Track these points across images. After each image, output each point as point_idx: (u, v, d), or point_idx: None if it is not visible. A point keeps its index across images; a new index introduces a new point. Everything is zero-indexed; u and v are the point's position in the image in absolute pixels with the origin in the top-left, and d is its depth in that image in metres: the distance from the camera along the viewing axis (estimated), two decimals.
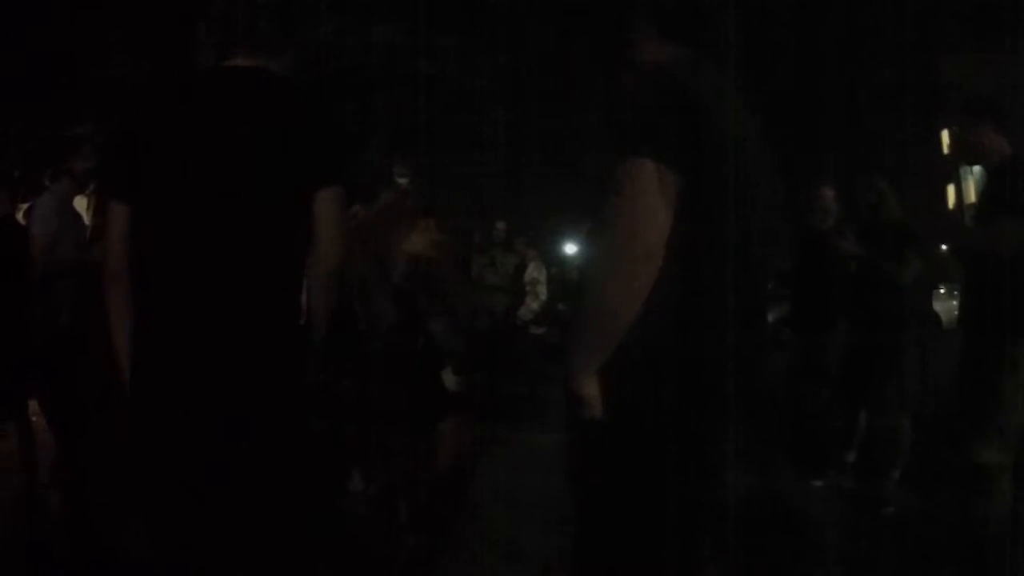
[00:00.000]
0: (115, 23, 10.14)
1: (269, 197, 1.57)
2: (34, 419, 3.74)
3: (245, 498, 1.56)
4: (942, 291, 11.16)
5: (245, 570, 1.58)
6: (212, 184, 1.55)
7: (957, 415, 2.81)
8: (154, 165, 1.57)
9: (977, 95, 3.31)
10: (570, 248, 15.17)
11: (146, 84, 1.72)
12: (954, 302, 12.91)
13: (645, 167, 1.28)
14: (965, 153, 3.06)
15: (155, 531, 1.61)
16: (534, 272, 6.50)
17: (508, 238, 6.36)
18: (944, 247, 3.89)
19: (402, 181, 3.58)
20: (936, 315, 8.79)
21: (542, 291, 6.50)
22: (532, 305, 6.38)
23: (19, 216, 3.70)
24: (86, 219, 3.72)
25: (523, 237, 6.94)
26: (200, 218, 1.55)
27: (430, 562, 3.05)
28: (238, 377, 1.54)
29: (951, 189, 30.12)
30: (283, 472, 1.59)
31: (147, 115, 1.65)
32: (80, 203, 3.72)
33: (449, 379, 3.56)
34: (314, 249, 1.62)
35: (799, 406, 4.19)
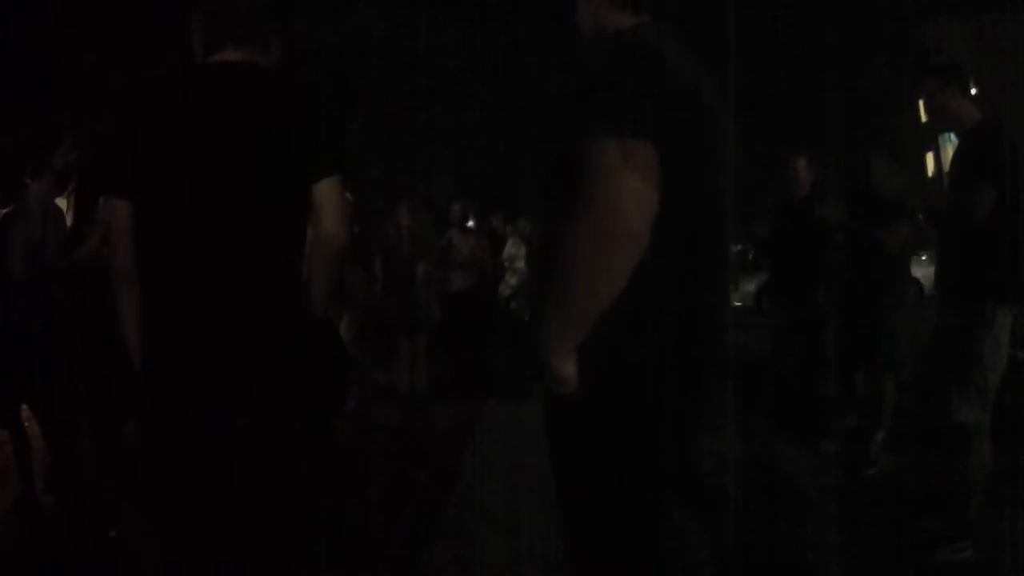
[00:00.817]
0: (95, 20, 10.01)
1: (271, 189, 1.60)
2: (27, 424, 3.74)
3: (255, 492, 1.58)
4: (923, 258, 11.24)
5: (253, 561, 1.61)
6: (213, 178, 1.57)
7: (936, 376, 2.87)
8: (154, 160, 1.58)
9: (942, 61, 3.39)
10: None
11: (141, 79, 1.69)
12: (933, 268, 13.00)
13: (614, 144, 1.24)
14: (935, 120, 3.08)
15: (162, 527, 1.65)
16: (512, 248, 6.57)
17: (482, 215, 6.40)
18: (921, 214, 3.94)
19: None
20: (917, 281, 8.88)
21: (520, 267, 6.54)
22: (511, 281, 6.42)
23: None
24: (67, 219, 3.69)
25: (501, 214, 6.98)
26: (202, 211, 1.57)
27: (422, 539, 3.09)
28: (248, 369, 1.56)
29: (930, 157, 30.31)
30: (296, 463, 1.62)
31: (144, 110, 1.64)
32: (60, 203, 3.67)
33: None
34: (317, 237, 1.66)
35: (781, 373, 4.26)
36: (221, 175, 1.58)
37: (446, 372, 5.86)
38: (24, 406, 3.71)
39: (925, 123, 30.49)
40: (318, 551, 1.77)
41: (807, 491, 3.39)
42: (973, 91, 3.16)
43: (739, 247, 14.78)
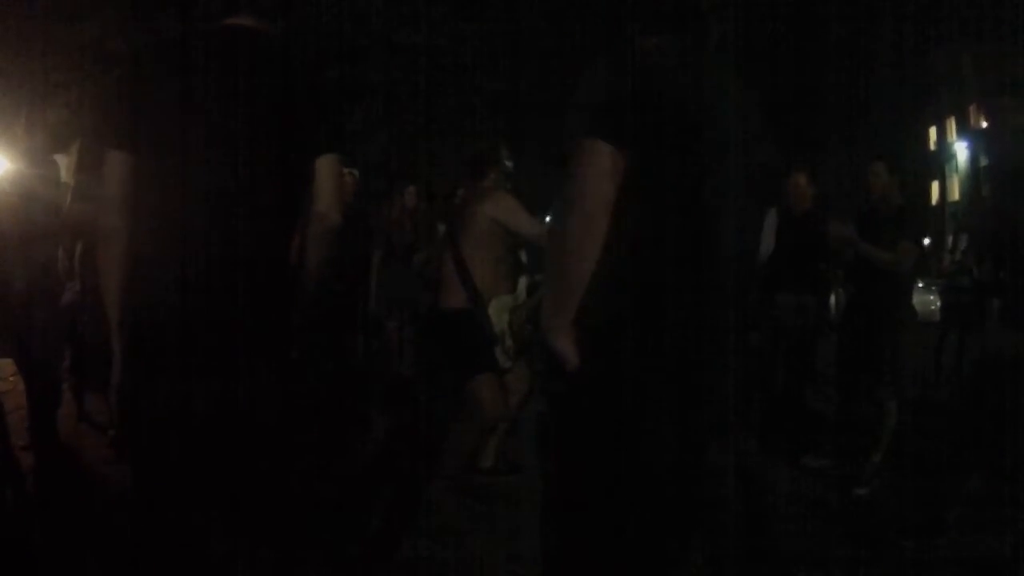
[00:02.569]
0: None
1: (269, 160, 1.58)
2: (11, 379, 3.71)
3: (243, 465, 1.57)
4: (919, 285, 11.32)
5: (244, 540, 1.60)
6: (212, 141, 1.55)
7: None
8: (156, 118, 1.55)
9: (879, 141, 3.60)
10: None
11: (150, 38, 1.69)
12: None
13: (593, 144, 1.43)
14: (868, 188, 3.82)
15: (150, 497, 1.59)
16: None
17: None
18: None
19: (508, 164, 3.58)
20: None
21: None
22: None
23: None
24: (65, 177, 3.65)
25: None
26: (199, 175, 1.55)
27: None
28: (235, 341, 1.54)
29: (935, 184, 30.37)
30: (281, 438, 1.62)
31: (150, 68, 1.61)
32: (60, 161, 3.63)
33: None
34: (312, 213, 1.64)
35: (771, 386, 4.25)
36: (220, 139, 1.55)
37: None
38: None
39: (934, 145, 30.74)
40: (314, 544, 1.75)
41: (788, 505, 3.37)
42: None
43: None
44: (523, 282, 3.60)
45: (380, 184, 6.67)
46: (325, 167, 1.64)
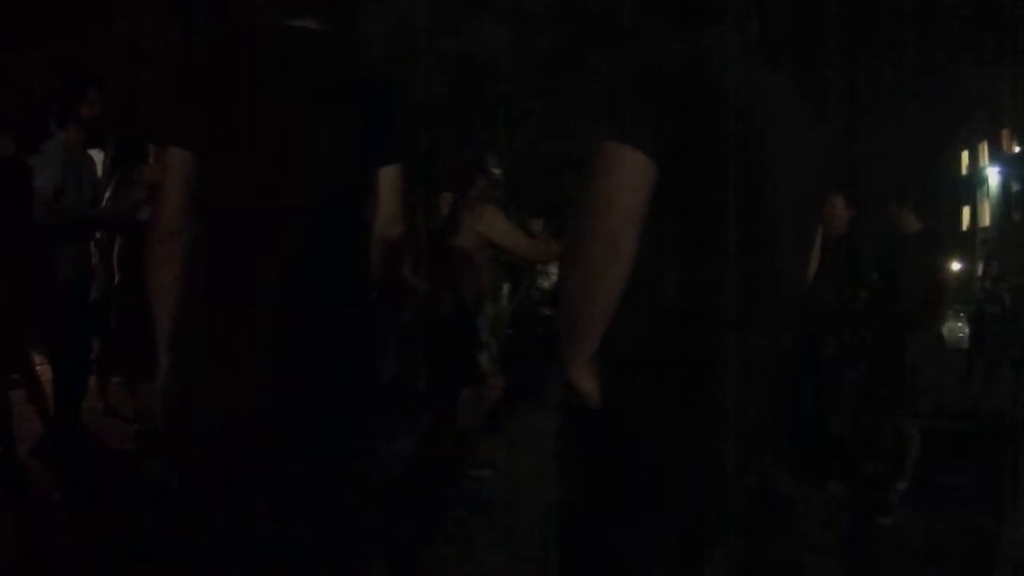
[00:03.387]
0: None
1: (330, 165, 1.54)
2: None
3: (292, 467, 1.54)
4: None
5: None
6: (277, 143, 1.50)
7: None
8: (218, 117, 1.51)
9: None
10: None
11: (211, 35, 1.66)
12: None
13: (611, 149, 1.23)
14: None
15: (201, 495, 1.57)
16: None
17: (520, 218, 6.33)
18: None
19: (495, 171, 3.63)
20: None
21: (553, 272, 6.44)
22: (543, 285, 6.36)
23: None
24: (99, 171, 3.68)
25: (536, 218, 6.89)
26: (258, 176, 1.50)
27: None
28: (299, 348, 1.50)
29: (966, 210, 30.03)
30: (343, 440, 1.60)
31: (213, 65, 1.56)
32: (95, 155, 3.66)
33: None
34: (377, 223, 1.61)
35: (801, 412, 4.18)
36: (286, 141, 1.50)
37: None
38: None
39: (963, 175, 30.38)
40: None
41: (810, 530, 3.31)
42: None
43: None
44: (506, 288, 3.61)
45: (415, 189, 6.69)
46: (389, 177, 1.60)
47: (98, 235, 4.09)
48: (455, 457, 3.57)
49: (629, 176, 1.23)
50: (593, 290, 1.26)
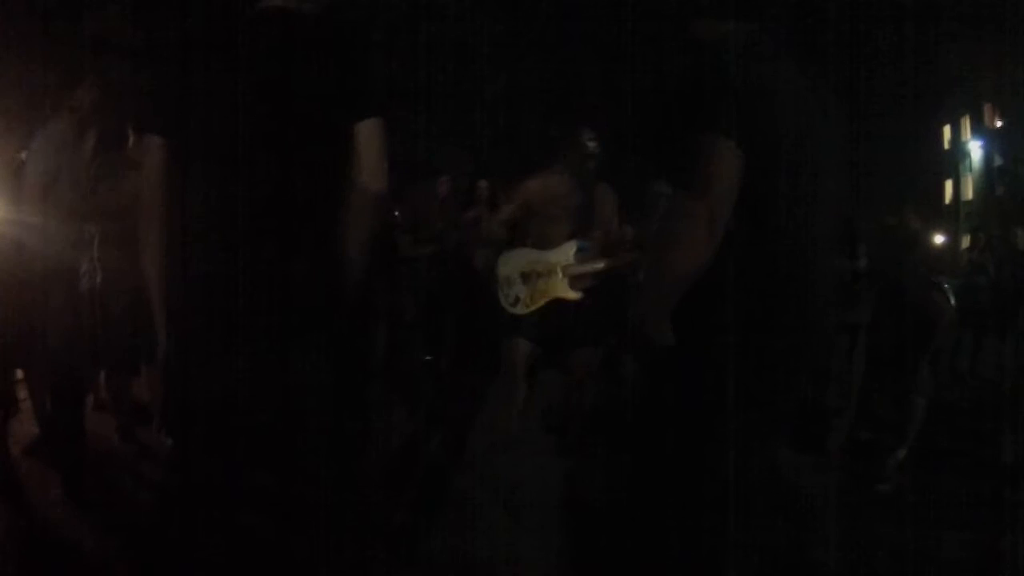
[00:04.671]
0: None
1: (310, 130, 1.54)
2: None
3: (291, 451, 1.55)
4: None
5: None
6: (252, 123, 1.51)
7: None
8: (196, 101, 1.54)
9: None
10: None
11: (189, 20, 1.64)
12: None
13: (718, 141, 1.44)
14: None
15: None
16: None
17: (492, 196, 6.29)
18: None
19: (591, 144, 3.64)
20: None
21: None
22: None
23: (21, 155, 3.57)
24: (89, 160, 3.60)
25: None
26: (241, 140, 1.51)
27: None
28: (282, 322, 1.52)
29: (948, 184, 30.22)
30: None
31: (188, 50, 1.59)
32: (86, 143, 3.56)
33: None
34: (356, 181, 1.58)
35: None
36: (261, 121, 1.52)
37: (461, 348, 5.89)
38: None
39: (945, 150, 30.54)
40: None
41: (811, 498, 3.34)
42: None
43: None
44: (570, 246, 3.63)
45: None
46: (365, 132, 1.57)
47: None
48: None
49: (727, 166, 1.45)
50: (688, 262, 1.49)
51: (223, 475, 1.54)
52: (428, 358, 5.69)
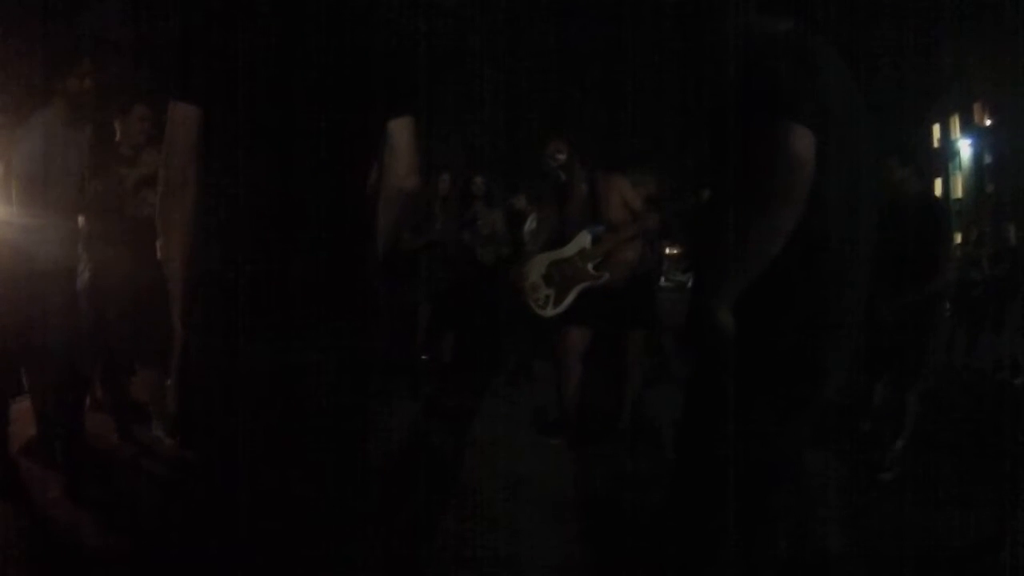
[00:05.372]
0: None
1: (345, 117, 1.48)
2: None
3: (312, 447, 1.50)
4: None
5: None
6: (284, 96, 1.44)
7: None
8: (226, 72, 1.44)
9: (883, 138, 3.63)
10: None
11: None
12: None
13: (796, 129, 1.47)
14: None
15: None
16: (533, 224, 6.47)
17: (488, 192, 6.31)
18: None
19: (560, 157, 3.89)
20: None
21: (541, 243, 6.41)
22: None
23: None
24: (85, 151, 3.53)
25: (523, 193, 6.86)
26: (272, 133, 1.44)
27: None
28: (304, 299, 1.45)
29: (938, 182, 30.37)
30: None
31: (220, 20, 1.48)
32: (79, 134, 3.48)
33: None
34: (390, 176, 1.57)
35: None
36: (293, 94, 1.45)
37: (459, 344, 5.89)
38: None
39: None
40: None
41: (815, 489, 3.35)
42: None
43: None
44: (584, 236, 3.80)
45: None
46: (401, 129, 1.55)
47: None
48: None
49: (805, 149, 1.47)
50: (770, 251, 1.53)
51: (233, 471, 1.47)
52: (424, 357, 5.67)
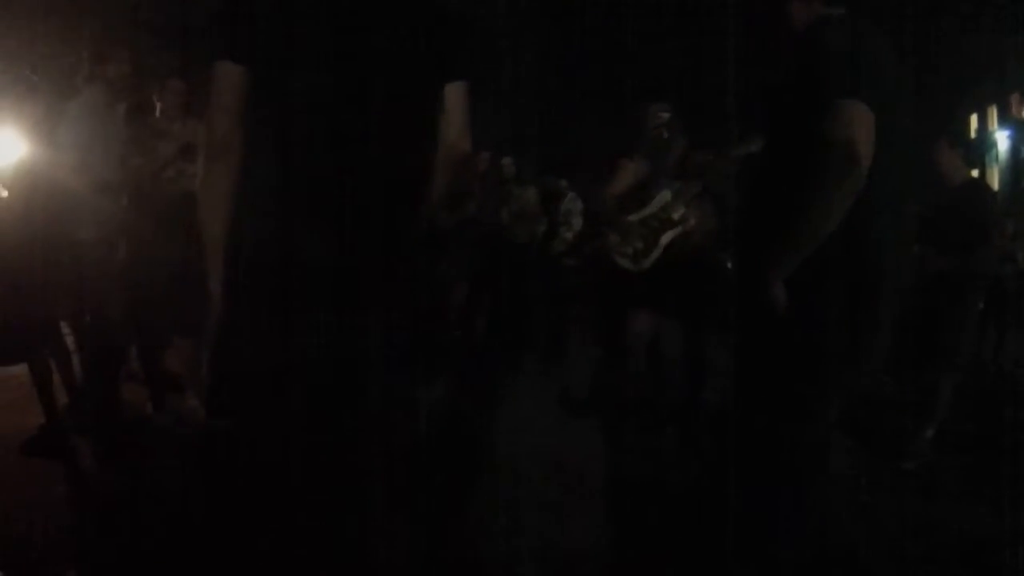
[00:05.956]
0: None
1: (398, 83, 1.45)
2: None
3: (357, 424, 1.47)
4: None
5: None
6: (339, 62, 1.40)
7: None
8: (274, 33, 1.40)
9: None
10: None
11: None
12: None
13: (857, 107, 1.53)
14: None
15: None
16: (569, 204, 6.51)
17: (518, 172, 6.34)
18: None
19: (663, 116, 4.06)
20: None
21: (577, 223, 6.44)
22: (566, 235, 6.35)
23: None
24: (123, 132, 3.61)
25: (555, 175, 6.89)
26: (322, 96, 1.40)
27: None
28: (358, 266, 1.42)
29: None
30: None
31: None
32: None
33: None
34: (443, 141, 1.55)
35: None
36: (345, 56, 1.41)
37: (492, 321, 5.95)
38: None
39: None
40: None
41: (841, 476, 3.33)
42: None
43: None
44: (664, 194, 3.97)
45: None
46: (456, 93, 1.54)
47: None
48: None
49: (867, 128, 1.54)
50: (826, 225, 1.58)
51: (269, 444, 1.44)
52: (457, 334, 5.71)
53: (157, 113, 3.91)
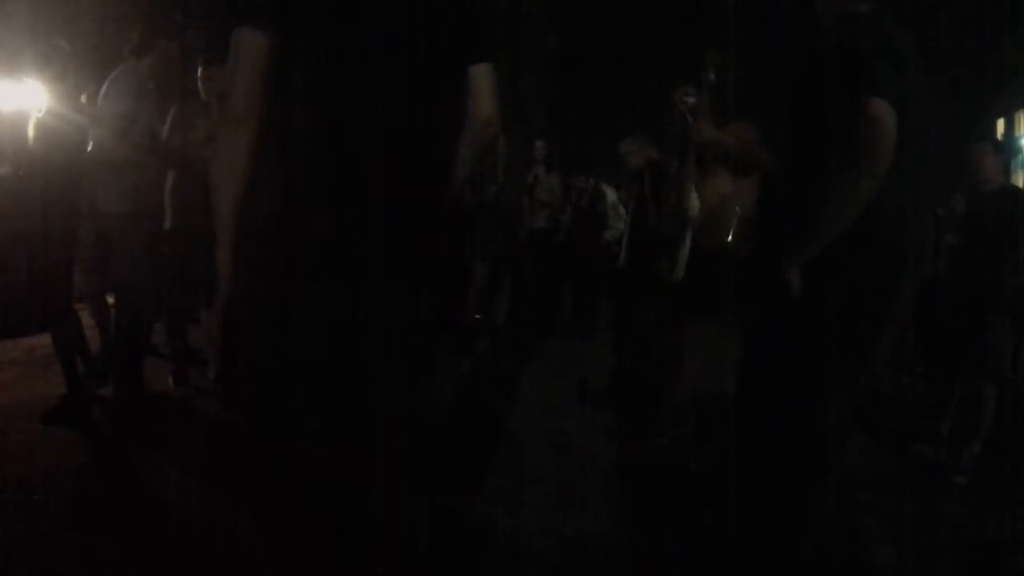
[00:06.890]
0: None
1: (426, 59, 1.44)
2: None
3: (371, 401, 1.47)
4: None
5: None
6: (366, 40, 1.39)
7: None
8: (298, 4, 1.37)
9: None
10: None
11: None
12: None
13: (880, 104, 1.57)
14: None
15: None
16: (612, 196, 6.53)
17: (549, 159, 6.34)
18: None
19: (689, 100, 3.90)
20: None
21: (623, 212, 6.43)
22: (618, 225, 6.34)
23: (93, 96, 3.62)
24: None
25: (584, 175, 6.91)
26: (351, 71, 1.38)
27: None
28: (383, 255, 1.40)
29: None
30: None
31: None
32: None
33: None
34: (475, 119, 1.56)
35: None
36: (372, 34, 1.39)
37: (513, 304, 5.98)
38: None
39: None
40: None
41: (888, 491, 3.31)
42: None
43: None
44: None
45: None
46: (484, 74, 1.55)
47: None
48: None
49: (889, 127, 1.58)
50: (847, 216, 1.64)
51: (283, 419, 1.44)
52: (477, 316, 5.75)
53: (201, 96, 3.97)
